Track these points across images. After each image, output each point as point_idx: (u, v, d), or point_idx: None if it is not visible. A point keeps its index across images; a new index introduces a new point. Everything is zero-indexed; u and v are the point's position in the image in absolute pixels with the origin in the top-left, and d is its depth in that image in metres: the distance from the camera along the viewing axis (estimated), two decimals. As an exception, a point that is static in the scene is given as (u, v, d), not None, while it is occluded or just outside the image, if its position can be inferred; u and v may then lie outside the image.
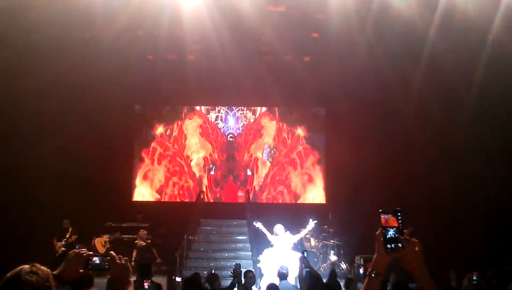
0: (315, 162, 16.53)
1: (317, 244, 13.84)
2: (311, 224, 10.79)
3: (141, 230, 13.69)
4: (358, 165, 14.50)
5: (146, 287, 6.54)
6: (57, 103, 13.85)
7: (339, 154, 15.15)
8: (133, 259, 13.18)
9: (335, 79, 14.91)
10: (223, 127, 16.71)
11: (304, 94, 15.54)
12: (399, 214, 2.45)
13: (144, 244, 13.41)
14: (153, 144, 16.50)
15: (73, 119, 14.18)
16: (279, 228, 10.78)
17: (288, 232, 11.00)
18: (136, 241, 13.51)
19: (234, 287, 7.37)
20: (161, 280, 10.63)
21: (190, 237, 13.08)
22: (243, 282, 7.46)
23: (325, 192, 16.36)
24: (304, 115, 16.75)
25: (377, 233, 2.42)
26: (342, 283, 7.45)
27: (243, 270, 7.75)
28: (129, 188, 16.13)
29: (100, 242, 13.70)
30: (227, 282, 7.96)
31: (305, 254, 7.91)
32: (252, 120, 16.74)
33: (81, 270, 3.04)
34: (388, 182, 14.36)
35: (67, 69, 13.17)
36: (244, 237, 13.52)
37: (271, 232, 10.66)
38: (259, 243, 12.14)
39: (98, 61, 13.33)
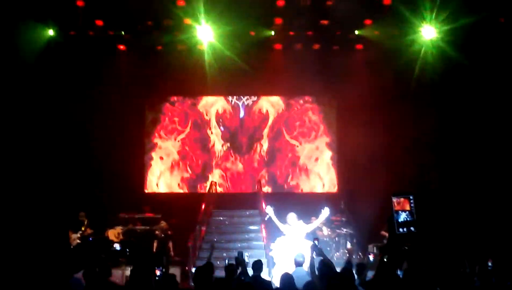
0: (327, 150, 16.47)
1: (329, 233, 13.81)
2: (326, 212, 10.67)
3: (162, 221, 13.74)
4: (370, 153, 14.40)
5: (159, 273, 6.59)
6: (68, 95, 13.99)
7: (351, 142, 15.06)
8: (154, 250, 13.25)
9: (345, 67, 14.88)
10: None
11: (315, 83, 15.43)
12: (411, 197, 2.41)
13: (163, 236, 13.46)
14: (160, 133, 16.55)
15: (85, 112, 14.26)
16: (291, 217, 10.71)
17: (301, 221, 10.96)
18: (156, 232, 13.56)
19: (236, 275, 7.39)
20: (174, 270, 10.70)
21: (202, 228, 13.10)
22: (248, 270, 7.47)
23: (337, 181, 16.30)
24: (315, 103, 16.66)
25: (389, 217, 2.38)
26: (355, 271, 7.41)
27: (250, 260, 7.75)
28: (141, 179, 16.17)
29: (113, 234, 13.76)
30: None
31: (316, 242, 7.86)
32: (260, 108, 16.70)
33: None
34: (401, 170, 14.29)
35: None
36: (256, 227, 13.50)
37: (283, 221, 10.61)
38: (272, 231, 12.14)
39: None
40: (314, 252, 7.61)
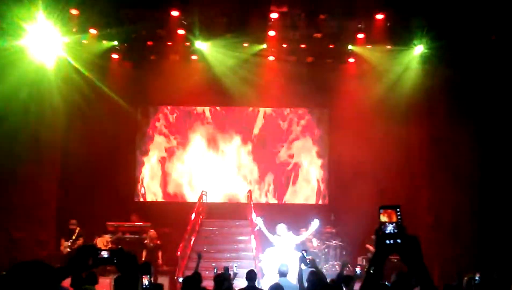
0: (318, 161, 16.54)
1: (319, 244, 13.84)
2: (315, 223, 10.73)
3: (151, 230, 13.71)
4: (361, 165, 14.48)
5: (146, 282, 6.55)
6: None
7: (342, 155, 15.11)
8: (143, 259, 13.21)
9: (338, 80, 15.01)
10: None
11: (307, 95, 15.53)
12: (398, 210, 2.45)
13: (152, 245, 13.43)
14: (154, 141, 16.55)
15: (75, 120, 14.24)
16: (281, 228, 10.75)
17: (291, 232, 10.99)
18: (145, 241, 13.52)
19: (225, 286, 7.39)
20: (163, 280, 10.69)
21: (191, 238, 13.09)
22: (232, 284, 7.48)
23: (327, 193, 16.35)
24: (307, 115, 16.75)
25: (376, 228, 2.41)
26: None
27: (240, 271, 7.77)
28: (132, 188, 16.15)
29: (102, 242, 13.69)
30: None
31: (305, 254, 7.89)
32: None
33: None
34: (391, 184, 14.36)
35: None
36: (246, 237, 13.51)
37: (273, 232, 10.64)
38: (262, 242, 12.16)
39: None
40: (302, 264, 7.64)
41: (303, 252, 7.91)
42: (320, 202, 16.38)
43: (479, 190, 13.50)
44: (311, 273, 7.18)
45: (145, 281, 6.60)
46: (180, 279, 7.57)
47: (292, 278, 7.94)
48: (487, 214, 13.31)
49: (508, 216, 12.96)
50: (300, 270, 7.57)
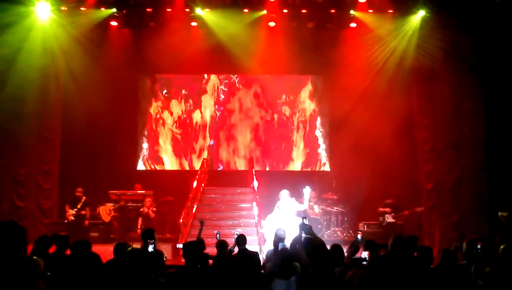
0: (319, 129, 16.51)
1: (321, 211, 13.92)
2: (307, 191, 10.83)
3: (147, 198, 13.78)
4: (361, 132, 14.42)
5: (152, 247, 6.62)
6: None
7: (343, 122, 15.06)
8: (138, 227, 13.33)
9: (340, 45, 14.87)
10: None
11: (308, 61, 15.38)
12: None
13: (148, 212, 13.51)
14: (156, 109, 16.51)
15: (76, 88, 14.16)
16: (284, 193, 10.83)
17: (294, 198, 11.07)
18: (141, 209, 13.61)
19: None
20: (165, 247, 10.77)
21: (193, 205, 13.15)
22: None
23: (329, 160, 16.36)
24: (305, 81, 16.65)
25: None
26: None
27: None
28: (134, 156, 16.15)
29: (105, 211, 13.82)
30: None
31: (305, 221, 7.94)
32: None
33: None
34: (391, 151, 14.35)
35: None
36: (248, 205, 13.58)
37: (275, 200, 10.73)
38: (263, 209, 12.26)
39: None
40: (303, 231, 7.69)
41: (304, 219, 7.97)
42: (321, 169, 16.39)
43: (481, 155, 13.50)
44: (305, 239, 7.24)
45: (150, 247, 6.70)
46: (180, 245, 7.60)
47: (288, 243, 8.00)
48: (489, 179, 13.33)
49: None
50: (298, 237, 7.63)
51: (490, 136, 13.44)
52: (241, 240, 7.75)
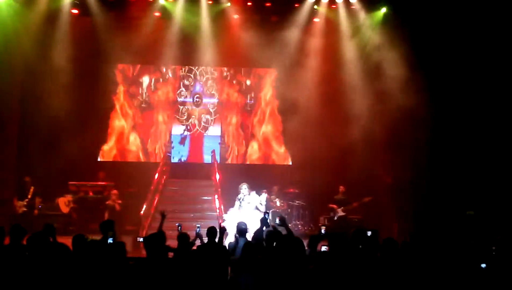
0: (280, 123, 16.58)
1: (282, 205, 14.03)
2: (263, 198, 10.98)
3: (113, 191, 13.59)
4: (320, 126, 14.60)
5: (111, 239, 6.56)
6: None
7: (301, 116, 15.14)
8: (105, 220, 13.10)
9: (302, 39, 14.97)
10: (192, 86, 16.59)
11: (269, 54, 15.39)
12: None
13: (114, 205, 13.32)
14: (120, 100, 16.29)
15: (35, 76, 13.83)
16: (244, 187, 10.88)
17: (254, 192, 11.12)
18: (107, 202, 13.40)
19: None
20: (126, 239, 10.64)
21: (155, 197, 13.06)
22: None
23: (290, 154, 16.46)
24: (267, 75, 16.70)
25: None
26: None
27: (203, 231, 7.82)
28: (95, 147, 15.88)
29: (63, 202, 13.57)
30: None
31: (267, 216, 8.02)
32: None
33: None
34: (352, 145, 14.55)
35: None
36: (209, 197, 13.57)
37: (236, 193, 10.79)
38: (225, 202, 12.28)
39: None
40: (264, 226, 7.76)
41: (266, 213, 8.03)
42: (284, 162, 16.48)
43: (436, 150, 13.79)
44: (267, 232, 7.32)
45: (110, 239, 6.63)
46: (140, 239, 7.54)
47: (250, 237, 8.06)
48: (444, 172, 13.65)
49: (466, 173, 13.33)
50: (260, 231, 7.69)
51: (443, 133, 13.74)
52: (211, 232, 7.72)
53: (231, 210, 11.00)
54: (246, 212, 10.49)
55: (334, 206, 13.69)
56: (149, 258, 6.12)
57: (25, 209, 12.98)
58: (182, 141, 16.45)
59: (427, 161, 13.83)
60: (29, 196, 13.08)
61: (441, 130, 13.76)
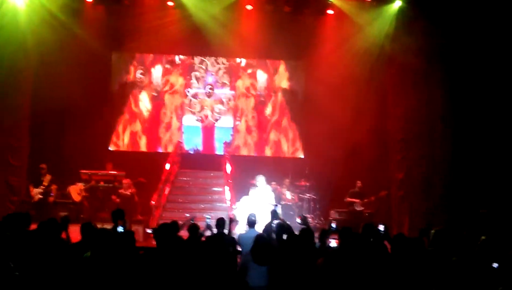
0: (291, 115, 16.51)
1: (293, 198, 14.00)
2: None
3: (125, 180, 13.63)
4: (335, 120, 14.48)
5: (121, 227, 6.59)
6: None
7: (316, 108, 15.09)
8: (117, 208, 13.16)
9: (316, 32, 14.87)
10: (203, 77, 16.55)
11: (281, 45, 15.30)
12: None
13: (127, 193, 13.37)
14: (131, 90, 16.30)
15: (48, 64, 13.86)
16: (261, 179, 10.88)
17: (269, 185, 11.15)
18: (120, 190, 13.46)
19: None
20: (136, 229, 10.69)
21: (166, 188, 13.08)
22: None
23: (302, 147, 16.40)
24: (280, 66, 16.60)
25: None
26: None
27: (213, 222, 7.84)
28: (106, 136, 15.92)
29: (75, 191, 13.63)
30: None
31: (276, 208, 8.04)
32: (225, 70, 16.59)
33: None
34: (364, 139, 14.48)
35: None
36: (220, 189, 13.57)
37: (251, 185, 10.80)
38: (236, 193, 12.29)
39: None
40: (274, 218, 7.76)
41: (275, 206, 8.06)
42: (296, 155, 16.42)
43: (452, 147, 13.68)
44: (277, 225, 7.32)
45: (120, 228, 6.65)
46: (149, 230, 7.56)
47: (260, 229, 8.08)
48: (459, 169, 13.53)
49: (481, 170, 13.20)
50: (269, 224, 7.69)
51: (459, 128, 13.62)
52: (220, 223, 7.74)
53: (244, 198, 11.03)
54: (259, 204, 10.49)
55: (357, 200, 13.62)
56: (159, 248, 6.13)
57: (40, 196, 13.07)
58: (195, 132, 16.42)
59: (442, 157, 13.73)
60: (45, 184, 13.17)
61: (457, 125, 13.64)
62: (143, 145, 16.22)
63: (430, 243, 6.53)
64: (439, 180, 13.68)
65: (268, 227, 7.86)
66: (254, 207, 10.04)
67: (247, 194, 12.14)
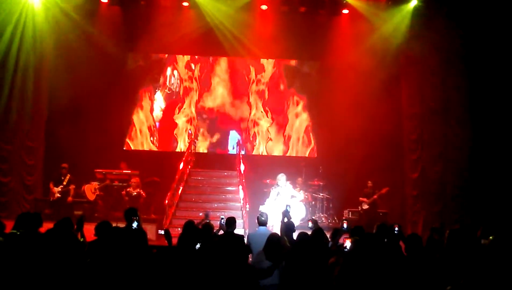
0: (306, 114, 16.47)
1: (306, 197, 13.96)
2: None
3: (134, 179, 13.70)
4: (348, 120, 14.41)
5: (135, 224, 6.63)
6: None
7: (330, 108, 15.05)
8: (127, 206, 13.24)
9: (331, 32, 14.82)
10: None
11: (297, 45, 15.27)
12: None
13: (135, 193, 13.44)
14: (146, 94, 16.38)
15: (63, 64, 13.98)
16: (282, 177, 10.87)
17: (289, 182, 11.13)
18: (128, 189, 13.54)
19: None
20: (150, 228, 10.75)
21: (179, 187, 13.11)
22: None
23: (316, 146, 16.35)
24: (295, 67, 16.57)
25: None
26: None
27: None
28: (121, 136, 16.01)
29: (90, 189, 13.73)
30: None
31: (288, 208, 8.03)
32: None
33: None
34: (378, 138, 14.40)
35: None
36: (234, 188, 13.57)
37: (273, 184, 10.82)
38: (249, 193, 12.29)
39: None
40: (285, 218, 7.76)
41: (287, 206, 8.04)
42: (309, 154, 16.38)
43: (466, 148, 13.56)
44: (285, 223, 7.33)
45: (134, 223, 6.68)
46: (161, 232, 7.57)
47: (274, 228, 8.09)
48: (474, 169, 13.41)
49: (496, 170, 13.06)
50: (283, 224, 7.69)
51: (475, 129, 13.50)
52: (230, 222, 7.75)
53: (267, 201, 11.04)
54: (283, 202, 10.49)
55: (365, 199, 13.63)
56: (171, 248, 6.15)
57: (59, 195, 13.19)
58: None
59: (456, 157, 13.62)
60: (64, 183, 13.28)
61: (473, 125, 13.51)
62: (157, 144, 16.29)
63: (445, 243, 6.47)
64: (454, 180, 13.58)
65: (281, 227, 7.88)
66: (279, 206, 10.04)
67: (261, 193, 12.15)
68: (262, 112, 16.50)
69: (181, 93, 16.44)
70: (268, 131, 16.46)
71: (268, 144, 16.44)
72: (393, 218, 12.88)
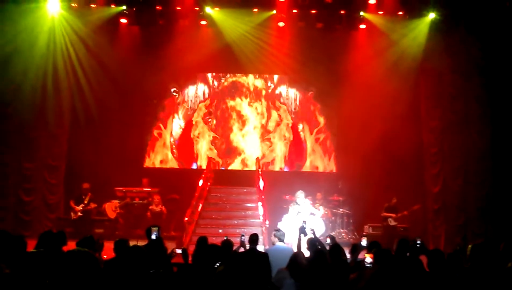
0: (326, 130, 16.44)
1: (326, 213, 13.89)
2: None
3: (155, 196, 13.79)
4: (368, 135, 14.36)
5: (155, 234, 6.64)
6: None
7: (350, 123, 15.01)
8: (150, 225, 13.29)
9: (347, 46, 14.82)
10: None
11: (316, 62, 15.29)
12: None
13: (157, 209, 13.52)
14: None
15: (84, 83, 14.21)
16: (300, 195, 10.83)
17: (308, 198, 11.07)
18: (150, 207, 13.62)
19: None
20: (170, 245, 10.76)
21: (199, 204, 13.15)
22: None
23: (335, 161, 16.29)
24: (314, 83, 16.57)
25: None
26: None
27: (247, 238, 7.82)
28: (141, 154, 16.14)
29: (110, 207, 13.84)
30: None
31: (304, 224, 7.99)
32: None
33: None
34: (398, 153, 14.29)
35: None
36: (253, 205, 13.56)
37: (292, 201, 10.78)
38: (269, 209, 12.26)
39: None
40: (302, 234, 7.71)
41: (304, 222, 8.00)
42: (329, 170, 16.32)
43: (488, 160, 13.42)
44: (309, 241, 7.27)
45: (153, 234, 6.69)
46: (179, 251, 7.55)
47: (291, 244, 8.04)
48: (497, 182, 13.25)
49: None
50: (299, 240, 7.64)
51: (496, 141, 13.36)
52: (253, 238, 7.71)
53: (285, 217, 11.00)
54: (301, 220, 10.45)
55: (393, 215, 13.29)
56: (188, 266, 6.15)
57: (80, 214, 13.31)
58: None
59: (477, 169, 13.48)
60: (86, 201, 13.41)
61: (494, 138, 13.38)
62: (176, 162, 16.38)
63: (468, 258, 6.37)
64: (476, 193, 13.42)
65: (297, 244, 7.84)
66: (297, 224, 9.99)
67: (281, 209, 12.10)
68: (279, 128, 16.50)
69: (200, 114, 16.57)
70: (287, 146, 16.45)
71: (286, 159, 16.42)
72: (415, 233, 12.71)
